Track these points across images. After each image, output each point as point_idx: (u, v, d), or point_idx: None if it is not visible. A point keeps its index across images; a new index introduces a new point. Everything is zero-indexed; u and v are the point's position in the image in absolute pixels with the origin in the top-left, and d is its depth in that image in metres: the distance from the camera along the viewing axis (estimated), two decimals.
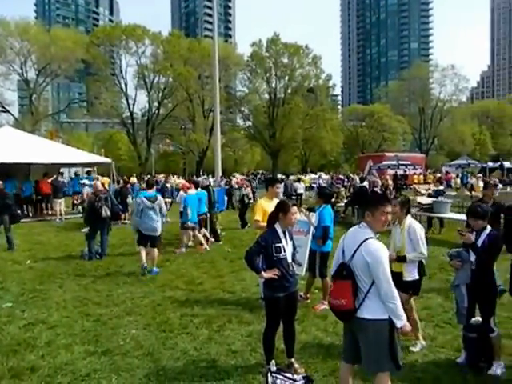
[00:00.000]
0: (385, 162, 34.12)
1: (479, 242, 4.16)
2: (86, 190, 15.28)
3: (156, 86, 49.94)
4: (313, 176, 39.42)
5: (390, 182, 16.79)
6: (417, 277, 4.54)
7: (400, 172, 30.44)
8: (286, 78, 53.68)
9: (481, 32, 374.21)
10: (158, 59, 48.98)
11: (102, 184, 12.28)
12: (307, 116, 52.61)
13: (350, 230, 3.42)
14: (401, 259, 4.39)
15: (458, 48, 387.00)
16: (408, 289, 4.49)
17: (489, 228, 4.21)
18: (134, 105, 50.28)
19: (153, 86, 49.67)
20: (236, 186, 22.39)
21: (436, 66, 68.77)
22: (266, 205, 5.65)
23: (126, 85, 50.02)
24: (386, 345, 3.04)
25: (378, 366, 3.10)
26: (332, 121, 56.43)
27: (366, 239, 3.11)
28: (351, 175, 33.68)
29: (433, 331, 5.18)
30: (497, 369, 4.10)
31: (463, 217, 11.45)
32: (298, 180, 26.31)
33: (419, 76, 64.14)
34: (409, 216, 4.64)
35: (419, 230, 4.51)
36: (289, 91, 54.22)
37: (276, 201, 5.83)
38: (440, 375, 4.08)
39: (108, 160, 19.55)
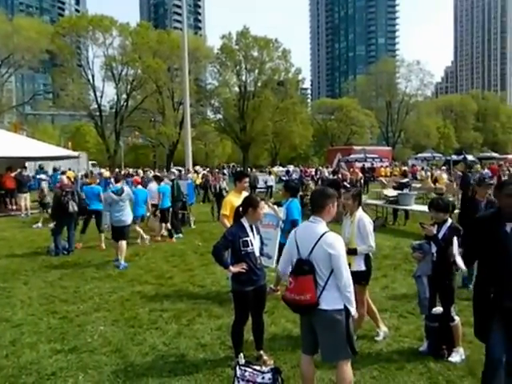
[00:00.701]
0: (353, 155, 34.77)
1: (440, 234, 4.31)
2: (43, 186, 14.99)
3: (124, 77, 48.95)
4: (281, 169, 39.72)
5: (360, 175, 17.09)
6: (363, 268, 4.57)
7: (367, 165, 31.04)
8: (256, 71, 53.70)
9: (445, 28, 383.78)
10: (126, 51, 47.98)
11: (68, 178, 12.10)
12: (277, 109, 52.84)
13: (301, 225, 3.50)
14: (352, 252, 4.39)
15: (423, 44, 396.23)
16: (359, 279, 4.43)
17: (450, 221, 4.37)
18: (101, 97, 49.18)
19: (121, 77, 48.66)
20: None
21: (402, 61, 70.36)
22: (235, 199, 5.67)
23: (93, 76, 48.85)
24: (343, 333, 3.17)
25: (337, 354, 3.22)
26: (301, 114, 56.87)
27: (324, 233, 3.20)
28: (320, 168, 34.11)
29: (397, 321, 5.34)
30: (456, 356, 4.28)
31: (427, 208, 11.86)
32: (269, 173, 26.51)
33: (386, 71, 65.40)
34: (360, 209, 4.71)
35: (368, 224, 4.58)
36: (259, 84, 54.27)
37: (245, 195, 5.86)
38: (403, 363, 4.21)
39: (75, 153, 19.08)
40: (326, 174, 16.02)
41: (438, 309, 4.41)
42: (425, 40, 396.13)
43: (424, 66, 65.96)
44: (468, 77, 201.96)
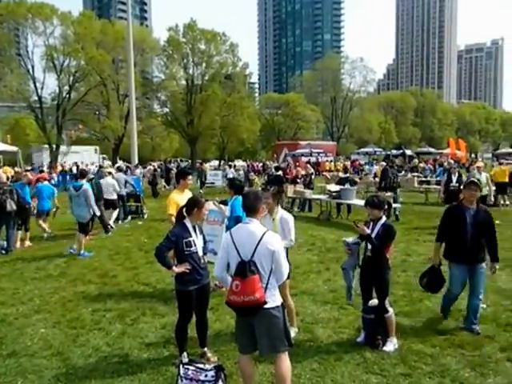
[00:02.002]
0: (299, 150, 35.43)
1: (375, 231, 4.55)
2: None
3: (66, 69, 46.63)
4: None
5: (312, 171, 17.46)
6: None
7: (313, 159, 31.75)
8: (204, 64, 53.08)
9: (387, 27, 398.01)
10: (68, 41, 45.69)
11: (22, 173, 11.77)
12: (225, 104, 52.59)
13: (236, 228, 3.50)
14: None
15: (367, 41, 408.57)
16: None
17: (384, 218, 4.62)
18: (42, 88, 46.59)
19: (63, 68, 46.32)
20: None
21: (347, 57, 72.40)
22: (178, 198, 5.65)
23: (33, 67, 46.06)
24: (281, 327, 3.31)
25: (276, 347, 3.34)
26: (249, 109, 56.96)
27: (265, 232, 3.32)
28: (267, 162, 34.47)
29: (337, 313, 5.57)
30: (390, 345, 4.54)
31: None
32: (230, 166, 26.75)
33: (331, 67, 66.84)
34: (279, 207, 4.89)
35: (291, 220, 4.80)
36: (206, 78, 53.72)
37: (188, 193, 5.87)
38: (342, 355, 4.42)
39: (13, 148, 18.08)
40: (273, 170, 16.20)
41: (374, 301, 4.65)
42: (368, 37, 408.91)
43: (367, 63, 68.30)
44: (408, 74, 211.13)
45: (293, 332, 4.85)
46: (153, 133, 54.98)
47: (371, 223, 4.64)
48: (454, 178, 11.25)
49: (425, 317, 5.39)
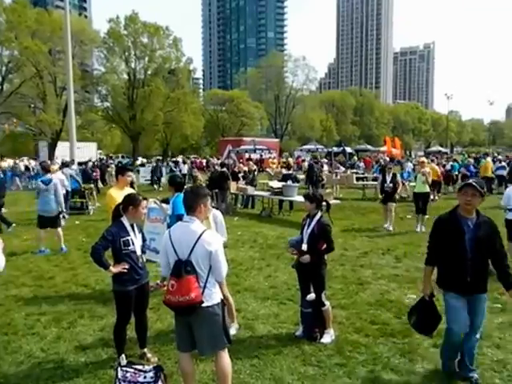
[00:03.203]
0: (243, 147, 35.61)
1: (310, 227, 4.71)
2: None
3: None
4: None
5: (255, 167, 17.57)
6: None
7: (256, 156, 32.01)
8: (146, 58, 51.73)
9: (329, 27, 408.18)
10: (0, 29, 42.90)
11: None
12: (168, 99, 51.64)
13: (175, 227, 3.49)
14: None
15: (309, 41, 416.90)
16: None
17: (319, 214, 4.79)
18: None
19: None
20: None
21: (290, 56, 73.38)
22: (117, 195, 5.52)
23: None
24: (220, 325, 3.34)
25: (215, 345, 3.37)
26: (193, 104, 56.32)
27: (203, 232, 3.29)
28: (211, 159, 34.32)
29: (277, 308, 5.70)
30: (327, 337, 4.73)
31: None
32: (184, 162, 26.42)
33: (275, 65, 67.63)
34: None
35: (221, 218, 4.97)
36: (149, 72, 52.42)
37: (127, 190, 5.75)
38: (281, 348, 4.54)
39: None
40: (216, 167, 16.17)
41: (312, 295, 4.80)
42: (311, 37, 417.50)
43: (309, 62, 69.77)
44: (348, 74, 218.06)
45: (234, 329, 4.92)
46: (93, 128, 52.96)
47: (308, 219, 4.80)
48: (388, 178, 11.17)
49: (360, 308, 5.65)
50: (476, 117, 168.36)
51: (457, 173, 19.92)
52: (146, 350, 4.32)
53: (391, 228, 10.96)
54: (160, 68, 52.42)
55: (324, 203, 4.89)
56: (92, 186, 16.92)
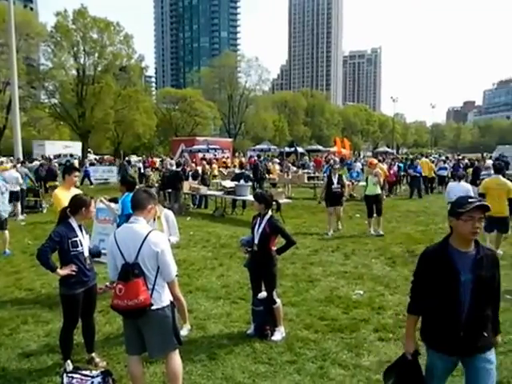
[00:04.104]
0: (196, 146, 35.33)
1: (261, 227, 4.76)
2: None
3: None
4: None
5: (208, 167, 17.48)
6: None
7: (210, 156, 31.86)
8: (96, 54, 50.08)
9: (281, 29, 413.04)
10: None
11: None
12: (119, 96, 50.33)
13: (120, 228, 3.43)
14: None
15: (262, 41, 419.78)
16: None
17: (270, 213, 4.85)
18: None
19: None
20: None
21: (243, 56, 73.80)
22: (64, 196, 5.33)
23: None
24: (170, 327, 3.30)
25: (166, 348, 3.33)
26: (145, 103, 55.25)
27: (149, 232, 3.23)
28: (164, 158, 33.79)
29: (229, 308, 5.72)
30: (278, 334, 4.80)
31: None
32: (144, 161, 25.87)
33: (228, 64, 67.69)
34: (160, 204, 4.89)
35: (173, 217, 4.96)
36: (99, 69, 50.76)
37: (74, 190, 5.57)
38: (232, 348, 4.56)
39: None
40: (169, 166, 15.97)
41: (263, 294, 4.87)
42: (264, 38, 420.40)
43: (262, 63, 70.33)
44: (300, 75, 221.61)
45: (186, 330, 4.89)
46: (40, 125, 50.72)
47: (258, 218, 4.85)
48: (335, 180, 10.53)
49: (310, 305, 5.78)
50: (419, 119, 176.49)
51: (403, 173, 20.76)
52: (93, 354, 4.21)
53: (331, 232, 10.35)
54: (111, 65, 50.96)
55: (274, 203, 4.96)
56: (57, 183, 16.18)
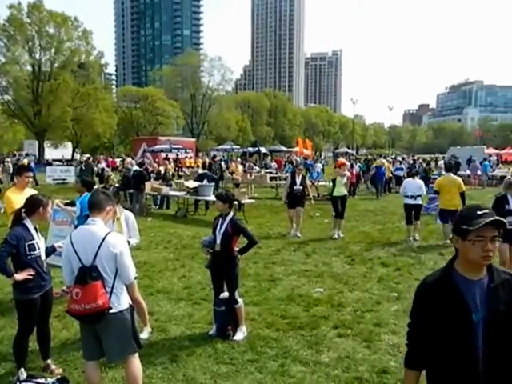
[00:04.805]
0: (158, 146, 34.88)
1: (223, 227, 4.77)
2: None
3: None
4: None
5: (170, 167, 17.24)
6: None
7: (172, 156, 31.53)
8: (53, 50, 48.42)
9: (244, 29, 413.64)
10: None
11: None
12: (78, 94, 48.89)
13: (76, 231, 3.37)
14: None
15: (225, 41, 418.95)
16: None
17: (232, 213, 4.87)
18: None
19: None
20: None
21: (206, 55, 73.34)
22: (16, 198, 5.13)
23: None
24: (129, 331, 3.25)
25: (125, 352, 3.27)
26: (105, 101, 53.92)
27: (107, 234, 3.17)
28: (125, 158, 33.14)
29: (191, 309, 5.70)
30: (240, 334, 4.82)
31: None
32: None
33: (190, 63, 67.03)
34: (120, 206, 4.85)
35: (133, 219, 4.88)
36: (56, 65, 49.11)
37: (29, 191, 5.38)
38: (194, 349, 4.54)
39: None
40: (129, 166, 15.66)
41: (225, 294, 4.87)
42: (227, 38, 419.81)
43: (225, 63, 70.06)
44: (263, 76, 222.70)
45: (146, 333, 4.84)
46: None
47: (220, 219, 4.86)
48: (298, 181, 10.29)
49: (271, 304, 5.84)
50: (378, 121, 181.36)
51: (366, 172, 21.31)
52: (49, 361, 4.08)
53: (299, 234, 10.21)
54: (68, 61, 49.43)
55: (236, 202, 4.98)
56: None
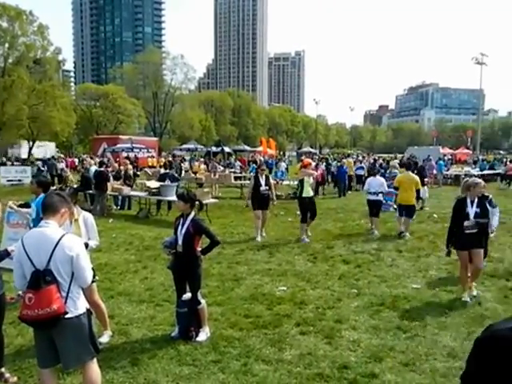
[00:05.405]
0: (119, 145, 34.21)
1: (185, 227, 4.73)
2: None
3: None
4: None
5: (130, 166, 16.86)
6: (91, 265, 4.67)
7: (132, 155, 31.00)
8: (6, 45, 46.41)
9: (207, 28, 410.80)
10: None
11: None
12: (34, 91, 47.02)
13: (29, 234, 3.27)
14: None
15: (188, 39, 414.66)
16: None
17: (193, 213, 4.83)
18: None
19: None
20: None
21: (168, 53, 72.27)
22: None
23: None
24: (87, 336, 3.16)
25: (81, 357, 3.18)
26: (63, 99, 52.10)
27: (62, 236, 3.07)
28: (85, 158, 32.29)
29: (153, 311, 5.62)
30: (203, 335, 4.79)
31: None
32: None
33: (152, 61, 65.95)
34: (78, 207, 4.75)
35: (92, 220, 4.72)
36: (10, 61, 47.09)
37: None
38: (156, 351, 4.48)
39: None
40: (88, 166, 15.27)
41: (187, 295, 4.83)
42: (189, 36, 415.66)
43: (188, 61, 69.37)
44: (226, 75, 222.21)
45: (107, 336, 4.74)
46: None
47: (181, 219, 4.82)
48: (263, 181, 9.89)
49: (235, 304, 5.85)
50: (340, 121, 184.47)
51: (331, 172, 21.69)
52: (3, 369, 3.93)
53: (264, 234, 10.06)
54: (23, 57, 47.51)
55: (197, 203, 4.95)
56: None
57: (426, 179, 14.97)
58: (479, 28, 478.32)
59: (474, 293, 6.03)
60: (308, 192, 9.82)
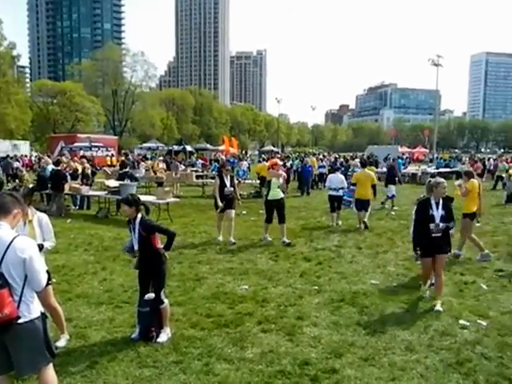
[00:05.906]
0: (77, 144, 33.28)
1: (136, 231, 4.65)
2: None
3: None
4: None
5: (87, 165, 16.36)
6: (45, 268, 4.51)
7: (87, 154, 30.21)
8: None
9: (168, 25, 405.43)
10: None
11: None
12: None
13: None
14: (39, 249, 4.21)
15: (148, 36, 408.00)
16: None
17: (139, 216, 4.71)
18: None
19: None
20: None
21: (128, 50, 70.90)
22: None
23: None
24: (41, 341, 3.06)
25: (36, 363, 3.08)
26: (18, 95, 50.27)
27: (14, 238, 2.96)
28: (42, 156, 31.18)
29: (112, 313, 5.49)
30: (164, 335, 4.73)
31: (149, 198, 12.47)
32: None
33: (112, 58, 64.46)
34: (32, 208, 4.56)
35: (47, 220, 4.55)
36: None
37: None
38: (116, 354, 4.38)
39: None
40: (45, 165, 14.72)
41: (151, 295, 4.74)
42: (150, 33, 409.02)
43: (148, 58, 68.23)
44: (188, 73, 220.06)
45: (64, 340, 4.61)
46: None
47: (131, 224, 4.75)
48: (228, 182, 9.39)
49: (196, 303, 5.80)
50: (302, 120, 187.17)
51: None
52: None
53: (233, 240, 9.29)
54: None
55: (142, 206, 4.83)
56: None
57: (396, 178, 15.48)
58: (436, 29, 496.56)
59: (440, 308, 5.50)
60: (275, 195, 9.32)
